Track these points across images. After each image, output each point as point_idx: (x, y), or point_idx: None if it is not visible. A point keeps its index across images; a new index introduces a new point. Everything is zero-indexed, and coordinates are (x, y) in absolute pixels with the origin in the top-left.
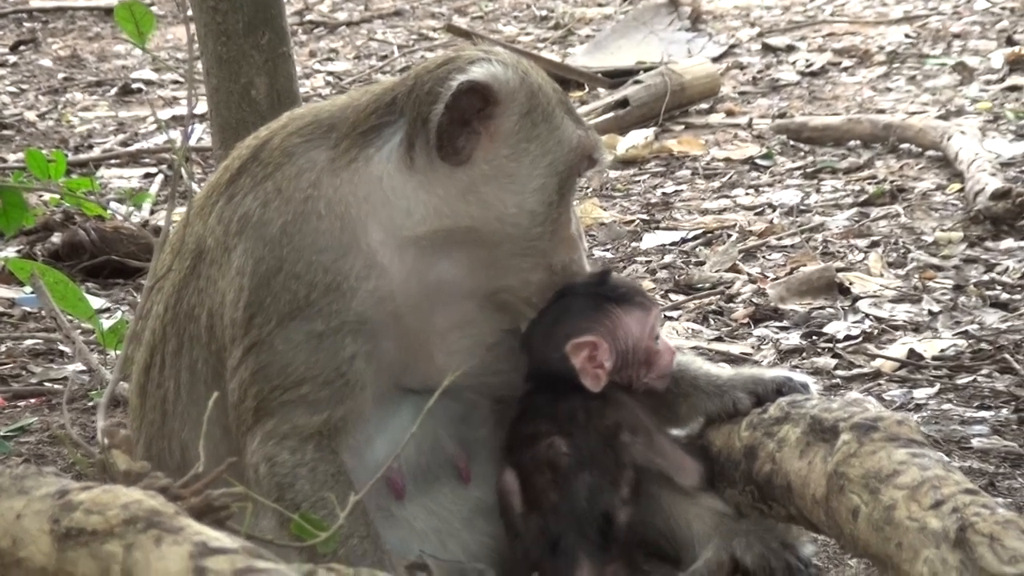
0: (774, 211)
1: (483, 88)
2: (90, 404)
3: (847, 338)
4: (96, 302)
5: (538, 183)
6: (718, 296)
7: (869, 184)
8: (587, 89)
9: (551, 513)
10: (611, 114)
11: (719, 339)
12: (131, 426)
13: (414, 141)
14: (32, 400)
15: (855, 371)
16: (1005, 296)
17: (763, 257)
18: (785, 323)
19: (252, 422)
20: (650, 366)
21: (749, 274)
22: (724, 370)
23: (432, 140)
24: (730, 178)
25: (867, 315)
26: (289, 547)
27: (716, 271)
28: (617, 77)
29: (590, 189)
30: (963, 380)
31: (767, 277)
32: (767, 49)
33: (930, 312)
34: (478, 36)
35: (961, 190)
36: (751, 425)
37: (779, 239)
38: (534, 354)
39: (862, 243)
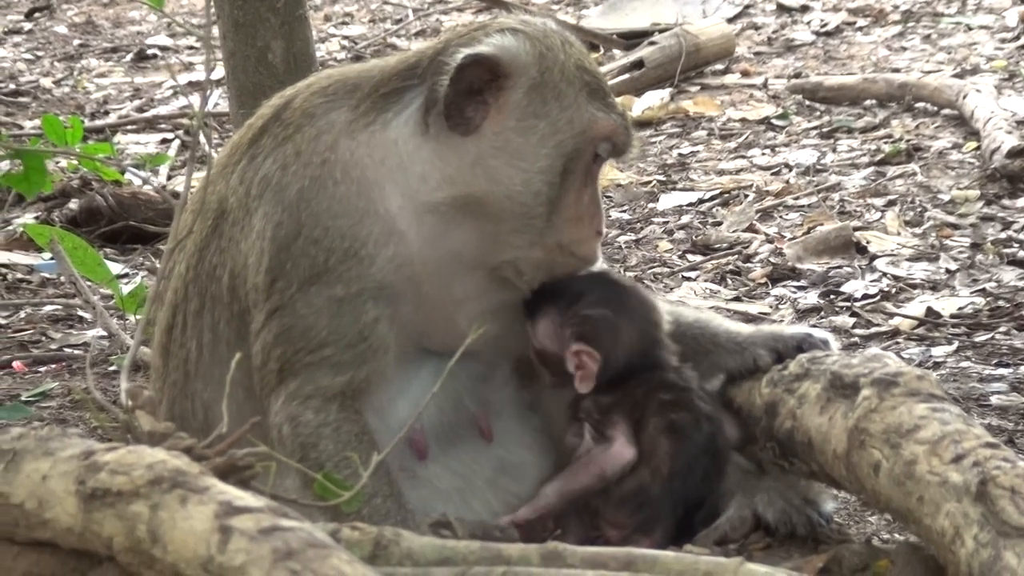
0: (790, 171)
1: (489, 61)
2: (110, 369)
3: (865, 297)
4: (114, 268)
5: (545, 162)
6: (735, 256)
7: (885, 143)
8: (602, 51)
9: (659, 477)
10: (626, 75)
11: (737, 299)
12: (154, 386)
13: (430, 108)
14: (52, 366)
15: (873, 330)
16: (1022, 254)
17: (780, 217)
18: (803, 282)
19: (275, 383)
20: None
21: (766, 234)
22: (744, 327)
23: (441, 109)
24: (746, 138)
25: (884, 274)
26: (313, 507)
27: (733, 231)
28: (632, 38)
29: None
30: (981, 338)
31: (784, 237)
32: (781, 9)
33: (947, 270)
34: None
35: (977, 148)
36: (771, 382)
37: (796, 199)
38: None
39: (879, 202)
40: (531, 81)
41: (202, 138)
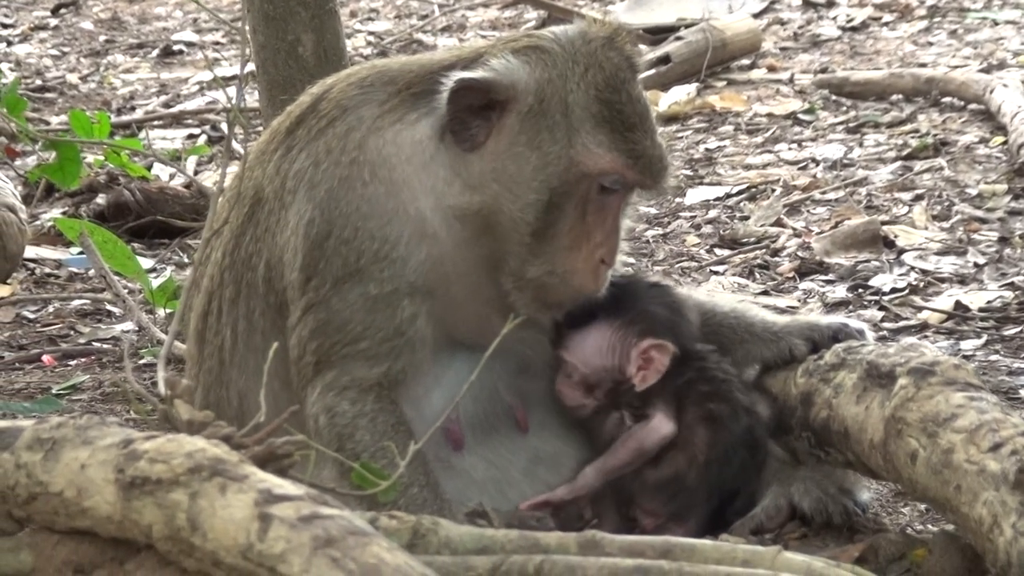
0: (817, 165)
1: (481, 85)
2: (140, 362)
3: (893, 291)
4: (143, 262)
5: (533, 195)
6: (763, 250)
7: (912, 138)
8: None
9: (695, 466)
10: (653, 71)
11: (765, 293)
12: (189, 373)
13: (442, 120)
14: (82, 359)
15: (902, 323)
16: None
17: (807, 211)
18: (831, 276)
19: (312, 375)
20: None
21: (794, 228)
22: (780, 317)
23: (447, 123)
24: (773, 133)
25: (912, 268)
26: (350, 496)
27: (761, 226)
28: (658, 33)
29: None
30: (1010, 331)
31: (812, 231)
32: (807, 4)
33: (975, 264)
34: None
35: (1004, 143)
36: (807, 371)
37: (823, 193)
38: None
39: (906, 196)
40: (527, 108)
41: (230, 130)
